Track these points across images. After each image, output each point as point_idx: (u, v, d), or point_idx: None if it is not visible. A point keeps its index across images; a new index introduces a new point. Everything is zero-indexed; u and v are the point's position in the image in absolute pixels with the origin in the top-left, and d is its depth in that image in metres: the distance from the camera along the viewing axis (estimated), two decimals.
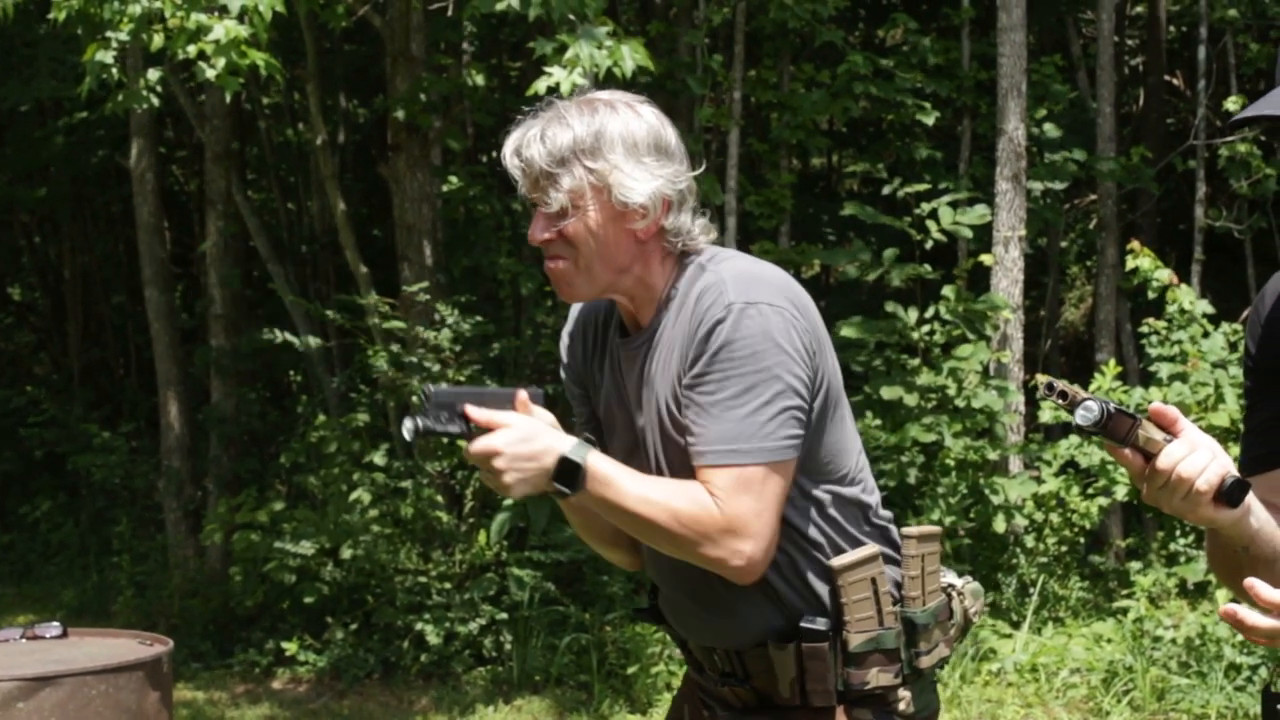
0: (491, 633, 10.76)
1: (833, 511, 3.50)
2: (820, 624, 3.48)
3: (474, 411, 3.32)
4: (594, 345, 3.71)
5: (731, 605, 3.52)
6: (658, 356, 3.48)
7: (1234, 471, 2.73)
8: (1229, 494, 2.72)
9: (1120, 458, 2.73)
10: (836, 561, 3.48)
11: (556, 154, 3.40)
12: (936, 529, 3.67)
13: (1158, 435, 2.71)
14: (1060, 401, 2.68)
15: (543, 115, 3.47)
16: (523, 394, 3.38)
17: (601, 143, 3.41)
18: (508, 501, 10.80)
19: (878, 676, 3.49)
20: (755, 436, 3.31)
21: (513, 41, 14.68)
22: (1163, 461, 2.70)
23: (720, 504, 3.31)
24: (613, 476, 3.34)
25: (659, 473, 3.49)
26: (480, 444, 3.29)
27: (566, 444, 3.32)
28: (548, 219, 3.46)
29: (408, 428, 3.35)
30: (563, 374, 3.80)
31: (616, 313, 3.62)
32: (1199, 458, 2.70)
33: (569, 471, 3.30)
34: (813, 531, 3.48)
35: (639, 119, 3.46)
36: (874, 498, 3.60)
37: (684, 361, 3.39)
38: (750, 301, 3.32)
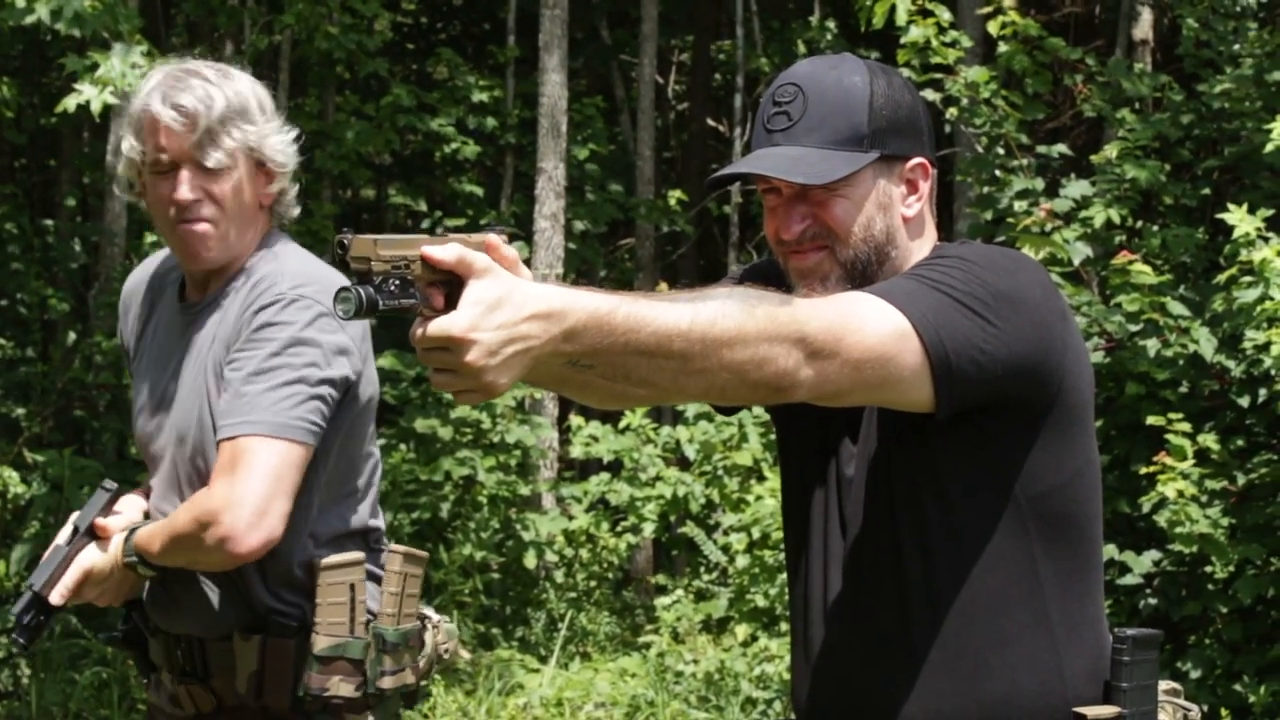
0: (9, 666, 10.41)
1: (332, 518, 3.50)
2: (291, 620, 3.47)
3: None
4: (148, 306, 3.67)
5: (207, 589, 3.48)
6: (209, 329, 3.47)
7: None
8: None
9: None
10: (322, 559, 3.46)
11: (219, 113, 3.37)
12: (423, 554, 3.66)
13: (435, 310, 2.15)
14: (341, 269, 1.99)
15: (178, 73, 3.43)
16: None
17: (249, 105, 3.42)
18: (29, 532, 10.49)
19: (339, 685, 3.46)
20: (268, 410, 3.30)
21: (51, 57, 14.29)
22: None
23: (214, 479, 3.31)
24: None
25: (179, 442, 3.47)
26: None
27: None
28: (197, 178, 3.41)
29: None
30: (119, 334, 3.75)
31: (175, 275, 3.60)
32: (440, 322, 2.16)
33: None
34: (303, 531, 3.47)
35: (256, 84, 3.51)
36: (378, 522, 3.61)
37: (228, 346, 3.40)
38: (301, 295, 3.36)
